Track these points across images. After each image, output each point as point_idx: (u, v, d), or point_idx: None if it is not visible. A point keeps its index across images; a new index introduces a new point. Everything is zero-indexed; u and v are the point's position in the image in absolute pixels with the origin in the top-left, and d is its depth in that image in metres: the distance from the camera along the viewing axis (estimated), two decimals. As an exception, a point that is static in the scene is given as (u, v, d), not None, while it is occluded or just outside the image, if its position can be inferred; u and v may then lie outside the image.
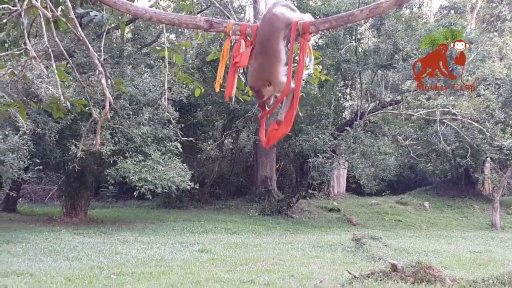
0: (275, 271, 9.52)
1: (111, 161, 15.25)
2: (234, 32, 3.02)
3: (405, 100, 20.85)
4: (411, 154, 22.51)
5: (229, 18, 4.28)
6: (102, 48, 4.94)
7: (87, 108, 4.51)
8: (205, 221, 18.38)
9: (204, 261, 10.58)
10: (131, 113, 15.70)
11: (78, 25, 3.39)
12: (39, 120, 14.15)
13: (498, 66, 19.62)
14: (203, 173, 23.87)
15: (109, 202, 24.20)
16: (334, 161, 19.15)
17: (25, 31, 3.32)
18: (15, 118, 12.56)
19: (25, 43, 3.64)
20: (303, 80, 3.47)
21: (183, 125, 17.35)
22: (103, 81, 3.46)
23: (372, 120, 21.79)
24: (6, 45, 4.56)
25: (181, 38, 20.71)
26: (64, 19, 3.50)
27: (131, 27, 20.49)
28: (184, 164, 16.50)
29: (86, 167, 16.69)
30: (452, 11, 29.13)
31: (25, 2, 2.92)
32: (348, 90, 23.13)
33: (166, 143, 16.40)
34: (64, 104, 3.94)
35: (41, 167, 16.10)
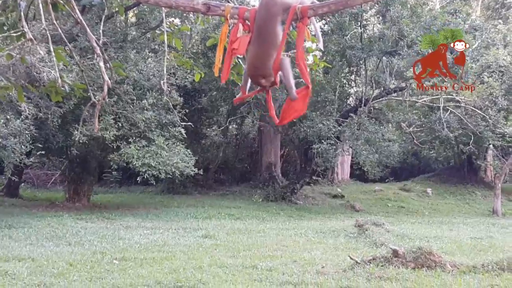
0: (277, 256, 9.53)
1: (115, 146, 15.23)
2: (232, 15, 2.97)
3: (409, 87, 20.73)
4: (415, 141, 22.46)
5: (228, 2, 4.23)
6: (101, 31, 4.89)
7: (87, 92, 4.49)
8: (209, 206, 18.42)
9: (207, 247, 10.60)
10: (135, 98, 15.63)
11: (75, 7, 3.35)
12: (42, 105, 14.08)
13: (502, 53, 19.46)
14: (207, 159, 23.87)
15: (112, 188, 24.29)
16: (338, 147, 19.12)
17: (22, 13, 3.27)
18: (17, 102, 12.52)
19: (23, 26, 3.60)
20: (308, 62, 3.42)
21: (187, 111, 17.29)
22: (101, 64, 3.43)
23: (377, 107, 21.71)
24: (5, 28, 4.53)
25: (186, 23, 20.57)
26: (62, 1, 3.46)
27: (135, 11, 20.34)
28: (188, 150, 16.47)
29: (89, 152, 16.71)
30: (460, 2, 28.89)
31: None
32: (353, 77, 23.00)
33: (170, 128, 16.32)
34: (62, 88, 3.91)
35: (43, 152, 16.11)
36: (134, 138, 15.50)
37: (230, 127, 25.29)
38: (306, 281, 7.32)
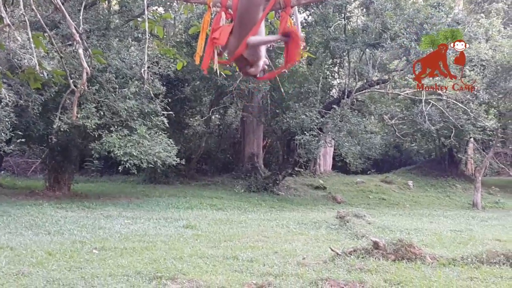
0: (259, 247, 9.55)
1: (96, 135, 15.08)
2: (214, 4, 2.93)
3: (392, 80, 20.84)
4: (397, 133, 22.64)
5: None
6: (81, 18, 4.81)
7: (67, 79, 4.41)
8: (191, 197, 18.38)
9: (188, 237, 10.58)
10: (117, 86, 15.48)
11: (53, -8, 3.28)
12: (22, 92, 13.87)
13: (484, 47, 19.62)
14: (190, 148, 23.78)
15: (93, 177, 24.08)
16: (320, 139, 19.16)
17: (-1, -2, 3.20)
18: (-3, 89, 12.31)
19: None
20: None
21: (170, 100, 17.17)
22: (80, 51, 3.36)
23: (359, 99, 21.83)
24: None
25: (170, 12, 20.38)
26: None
27: (118, -1, 20.10)
28: (171, 140, 16.36)
29: (70, 141, 16.52)
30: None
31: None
32: (336, 68, 23.06)
33: (152, 117, 16.21)
34: (41, 75, 3.84)
35: (23, 140, 15.87)
36: (116, 127, 15.37)
37: (213, 117, 25.24)
38: (287, 273, 7.34)
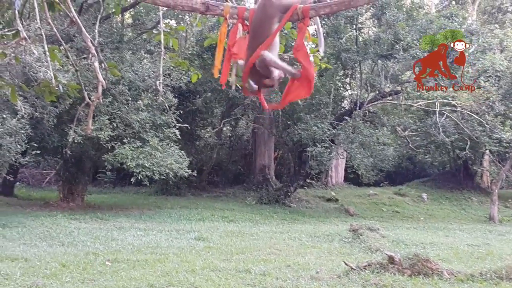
0: (271, 260, 9.47)
1: (109, 147, 15.18)
2: (231, 15, 2.90)
3: (404, 91, 20.72)
4: (410, 145, 22.42)
5: (227, 1, 4.18)
6: (97, 31, 4.83)
7: (81, 92, 4.42)
8: (203, 208, 18.34)
9: (200, 249, 10.53)
10: (130, 98, 15.62)
11: (71, 5, 3.29)
12: (38, 104, 14.03)
13: (498, 58, 19.45)
14: (201, 160, 23.78)
15: (106, 188, 24.17)
16: (332, 150, 19.06)
17: (16, 12, 3.21)
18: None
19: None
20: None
21: (182, 112, 17.25)
22: (96, 64, 3.36)
23: (372, 110, 21.69)
24: (0, 27, 4.46)
25: (182, 24, 20.54)
26: (58, 0, 3.40)
27: (132, 13, 20.33)
28: (182, 151, 16.42)
29: (84, 152, 16.62)
30: (454, 2, 28.96)
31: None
32: (348, 80, 23.00)
33: (164, 129, 16.28)
34: (56, 88, 3.85)
35: (38, 152, 16.06)
36: (128, 138, 15.46)
37: (224, 128, 25.25)
38: (301, 287, 7.27)
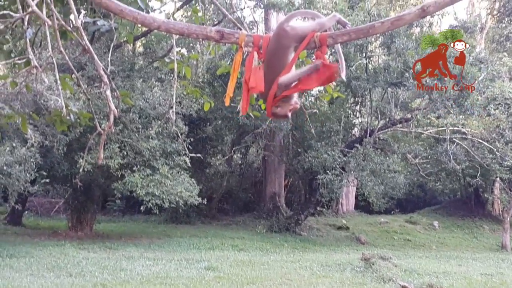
0: (282, 291, 9.32)
1: (119, 175, 15.13)
2: (246, 43, 2.85)
3: (414, 118, 20.66)
4: (421, 172, 22.26)
5: (240, 29, 4.16)
6: (109, 59, 4.83)
7: (93, 120, 4.40)
8: (212, 237, 18.19)
9: (210, 279, 10.39)
10: (140, 126, 15.62)
11: (83, 33, 3.28)
12: (48, 133, 14.07)
13: (507, 86, 19.44)
14: (211, 188, 23.68)
15: (115, 217, 24.08)
16: (343, 178, 18.92)
17: (27, 40, 3.20)
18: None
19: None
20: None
21: (192, 140, 17.24)
22: (108, 92, 3.34)
23: (382, 138, 21.61)
24: (13, 55, 4.47)
25: (193, 52, 20.71)
26: (70, 28, 3.39)
27: (143, 41, 20.54)
28: (193, 179, 16.34)
29: (93, 181, 16.59)
30: (462, 31, 29.00)
31: (29, 9, 2.81)
32: (358, 107, 22.98)
33: (174, 157, 16.25)
34: (68, 117, 3.83)
35: (48, 180, 16.00)
36: (138, 166, 15.42)
37: (235, 156, 25.22)
38: (313, 317, 7.11)
